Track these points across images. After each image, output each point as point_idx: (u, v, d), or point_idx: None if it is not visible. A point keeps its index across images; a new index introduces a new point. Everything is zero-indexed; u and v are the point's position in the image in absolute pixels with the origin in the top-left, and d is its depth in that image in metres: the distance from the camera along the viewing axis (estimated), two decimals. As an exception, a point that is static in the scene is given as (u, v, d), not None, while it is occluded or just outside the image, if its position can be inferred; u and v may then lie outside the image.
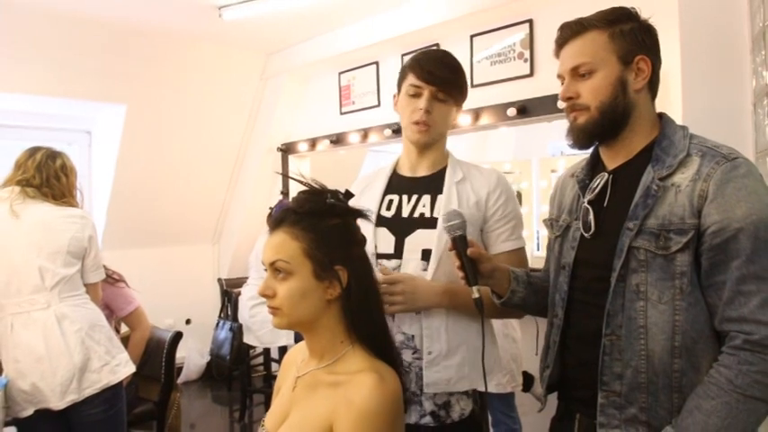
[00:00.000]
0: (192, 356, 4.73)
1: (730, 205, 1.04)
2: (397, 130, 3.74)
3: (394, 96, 1.61)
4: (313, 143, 4.32)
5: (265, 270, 1.18)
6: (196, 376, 4.77)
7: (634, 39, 1.16)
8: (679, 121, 2.38)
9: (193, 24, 3.72)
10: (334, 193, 1.20)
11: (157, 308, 3.95)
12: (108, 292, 2.50)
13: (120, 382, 2.10)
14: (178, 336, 2.74)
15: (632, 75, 1.17)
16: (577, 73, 1.19)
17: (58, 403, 1.95)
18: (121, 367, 2.09)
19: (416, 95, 1.51)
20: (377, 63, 3.95)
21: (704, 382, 1.05)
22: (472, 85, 3.39)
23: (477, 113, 3.27)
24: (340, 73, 4.20)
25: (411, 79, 1.51)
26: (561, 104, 1.30)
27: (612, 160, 1.24)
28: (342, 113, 4.22)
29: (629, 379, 1.11)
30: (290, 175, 1.25)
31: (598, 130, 1.20)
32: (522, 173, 4.39)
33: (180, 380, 4.67)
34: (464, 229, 1.32)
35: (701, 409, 1.02)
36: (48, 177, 2.06)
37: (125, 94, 3.91)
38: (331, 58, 4.06)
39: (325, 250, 1.13)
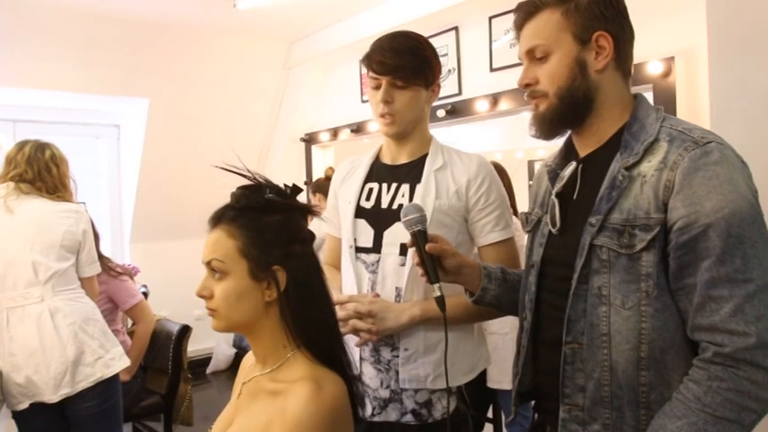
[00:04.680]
0: (221, 347, 4.78)
1: (699, 197, 0.89)
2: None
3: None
4: (335, 132, 4.26)
5: None
6: (225, 366, 4.81)
7: (591, 13, 1.01)
8: (705, 99, 2.24)
9: (210, 16, 3.70)
10: (275, 187, 1.12)
11: (186, 299, 3.97)
12: (111, 286, 2.51)
13: (116, 376, 2.09)
14: (185, 329, 2.73)
15: (592, 54, 1.02)
16: (534, 57, 1.06)
17: (51, 396, 1.96)
18: (116, 361, 2.08)
19: (376, 88, 1.42)
20: (396, 49, 3.83)
21: (672, 398, 0.91)
22: (490, 70, 3.25)
23: (495, 99, 3.13)
24: (361, 60, 4.10)
25: (370, 73, 1.43)
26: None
27: (583, 148, 1.10)
28: (363, 101, 4.13)
29: (592, 392, 0.98)
30: (234, 168, 1.16)
31: (560, 117, 1.05)
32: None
33: (209, 370, 4.74)
34: (423, 224, 1.23)
35: (666, 430, 0.89)
36: (39, 170, 2.06)
37: (147, 88, 3.94)
38: (351, 44, 3.96)
39: (262, 248, 1.06)
